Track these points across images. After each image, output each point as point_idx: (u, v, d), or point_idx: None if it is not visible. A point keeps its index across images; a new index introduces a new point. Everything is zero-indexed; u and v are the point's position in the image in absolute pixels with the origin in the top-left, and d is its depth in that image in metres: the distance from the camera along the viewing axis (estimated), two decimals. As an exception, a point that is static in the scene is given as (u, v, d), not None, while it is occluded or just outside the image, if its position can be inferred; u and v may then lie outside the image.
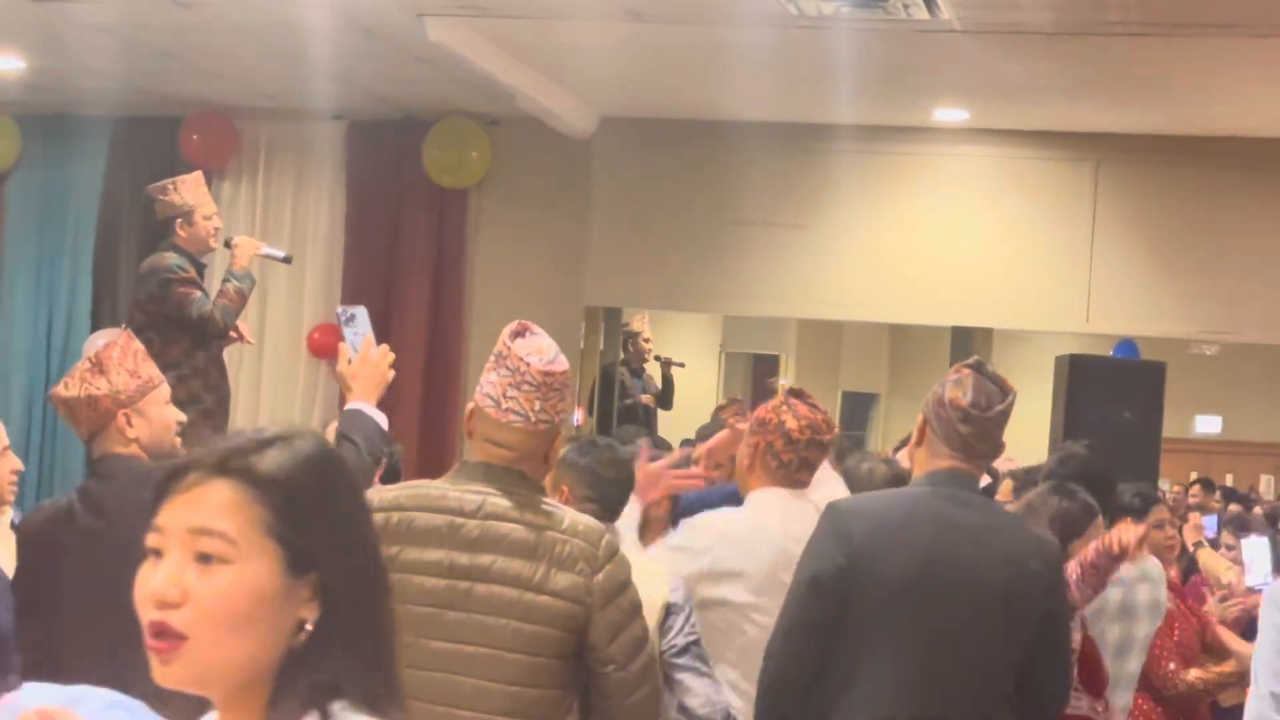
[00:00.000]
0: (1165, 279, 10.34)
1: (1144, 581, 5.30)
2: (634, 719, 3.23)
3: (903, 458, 5.48)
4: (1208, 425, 15.32)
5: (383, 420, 3.97)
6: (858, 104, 9.57)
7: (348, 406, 3.98)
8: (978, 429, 3.62)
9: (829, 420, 4.42)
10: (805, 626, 3.52)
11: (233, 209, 10.74)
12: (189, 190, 7.31)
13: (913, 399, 14.24)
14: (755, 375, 15.19)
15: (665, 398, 11.45)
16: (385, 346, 4.07)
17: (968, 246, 10.45)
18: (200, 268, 7.21)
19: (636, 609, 3.25)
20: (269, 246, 7.72)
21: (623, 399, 10.76)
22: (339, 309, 4.32)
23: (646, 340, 11.21)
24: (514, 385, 3.29)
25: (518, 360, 3.28)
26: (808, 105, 9.92)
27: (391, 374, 4.05)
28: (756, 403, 9.89)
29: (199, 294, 7.01)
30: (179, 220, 7.24)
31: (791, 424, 4.29)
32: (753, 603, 4.16)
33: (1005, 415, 3.66)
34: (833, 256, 10.66)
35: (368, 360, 4.01)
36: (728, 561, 4.21)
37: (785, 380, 14.72)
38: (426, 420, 10.38)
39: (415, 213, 10.76)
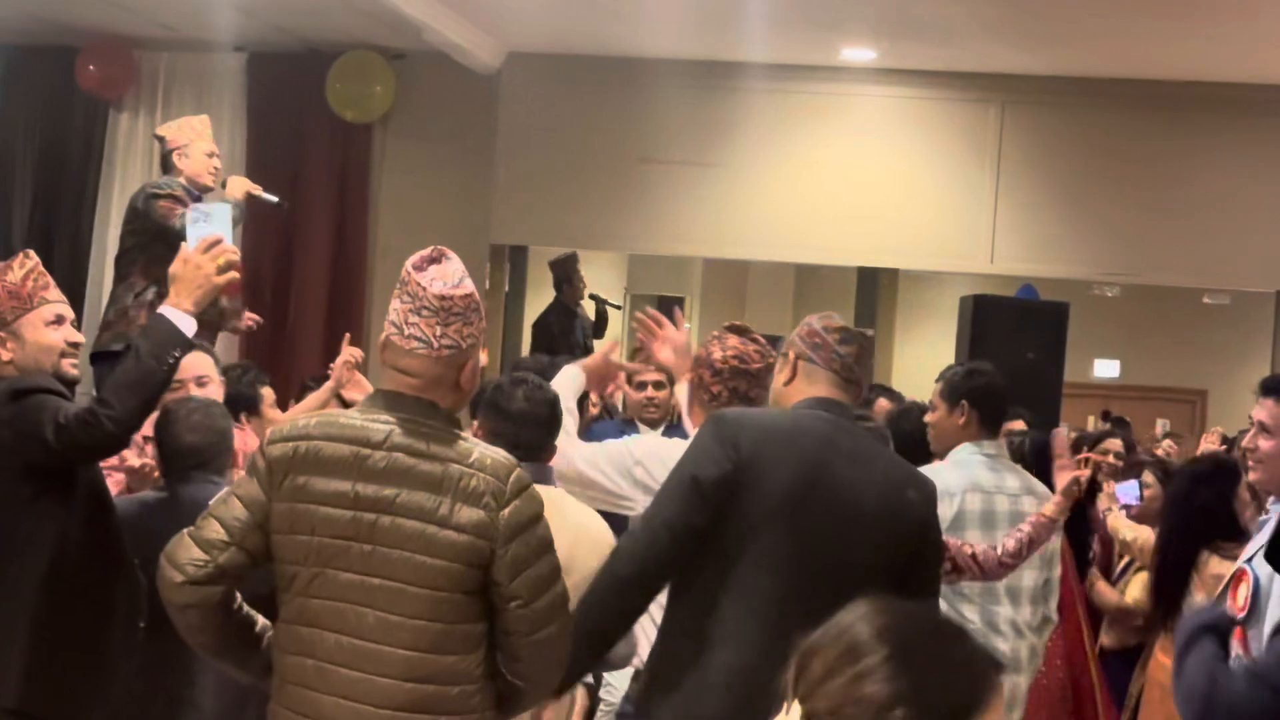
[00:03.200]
0: (1068, 221, 10.42)
1: (1029, 495, 5.27)
2: (538, 656, 3.19)
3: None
4: (1107, 369, 15.50)
5: (187, 325, 3.86)
6: (767, 42, 9.54)
7: (157, 310, 3.89)
8: (858, 348, 3.62)
9: (762, 350, 4.31)
10: (675, 528, 3.44)
11: (130, 141, 10.55)
12: (191, 128, 7.31)
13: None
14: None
15: (599, 333, 11.42)
16: (223, 246, 3.91)
17: (874, 187, 10.47)
18: (197, 199, 7.10)
19: (545, 547, 3.20)
20: (262, 190, 7.60)
21: (566, 339, 10.65)
22: (190, 208, 4.18)
23: (582, 279, 11.15)
24: (414, 311, 3.23)
25: (416, 286, 3.22)
26: (717, 42, 9.88)
27: (226, 278, 3.90)
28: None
29: (182, 209, 6.87)
30: (176, 153, 7.20)
31: (717, 354, 4.23)
32: None
33: (873, 344, 3.69)
34: (740, 196, 10.64)
35: (189, 260, 3.87)
36: None
37: (688, 324, 14.72)
38: (330, 356, 10.26)
39: (318, 147, 10.63)
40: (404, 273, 3.26)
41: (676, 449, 3.87)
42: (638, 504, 4.16)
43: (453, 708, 3.17)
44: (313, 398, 6.18)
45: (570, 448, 4.30)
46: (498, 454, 3.25)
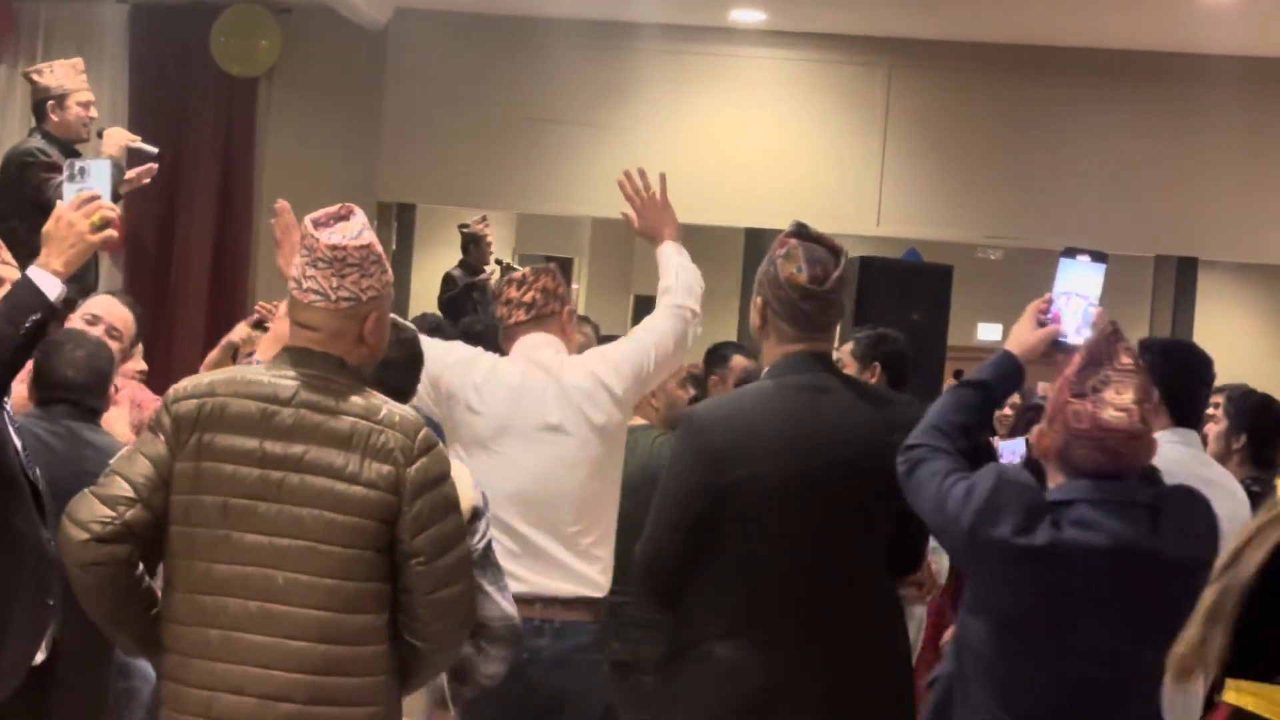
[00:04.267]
0: (953, 184, 10.54)
1: None
2: (437, 616, 3.17)
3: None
4: (990, 333, 15.71)
5: (52, 287, 3.63)
6: (658, 3, 9.52)
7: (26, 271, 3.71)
8: (821, 303, 3.50)
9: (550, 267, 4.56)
10: (680, 534, 3.48)
11: (9, 93, 10.34)
12: (64, 74, 7.06)
13: (707, 302, 14.32)
14: (550, 277, 15.12)
15: None
16: (98, 203, 3.69)
17: (762, 149, 10.51)
18: (73, 155, 6.90)
19: (450, 506, 3.19)
20: (139, 141, 7.44)
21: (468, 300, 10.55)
22: (67, 162, 4.02)
23: (489, 243, 11.08)
24: (310, 264, 3.21)
25: (313, 239, 3.20)
26: (609, 2, 9.85)
27: (102, 236, 3.69)
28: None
29: (59, 179, 6.71)
30: (50, 104, 6.99)
31: (515, 279, 4.47)
32: None
33: (843, 281, 3.52)
34: (629, 156, 10.54)
35: (61, 218, 3.69)
36: None
37: (577, 285, 14.70)
38: (214, 313, 10.17)
39: (203, 102, 10.48)
40: (302, 227, 3.24)
41: (491, 370, 4.09)
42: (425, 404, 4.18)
43: (366, 669, 3.16)
44: (212, 355, 6.00)
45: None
46: (406, 411, 3.25)
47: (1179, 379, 4.33)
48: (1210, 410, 5.96)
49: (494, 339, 6.03)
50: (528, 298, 4.41)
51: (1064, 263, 3.35)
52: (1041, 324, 3.24)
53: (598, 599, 4.29)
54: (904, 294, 9.04)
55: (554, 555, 4.20)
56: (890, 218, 10.53)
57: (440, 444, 3.26)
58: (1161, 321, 11.12)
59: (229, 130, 10.51)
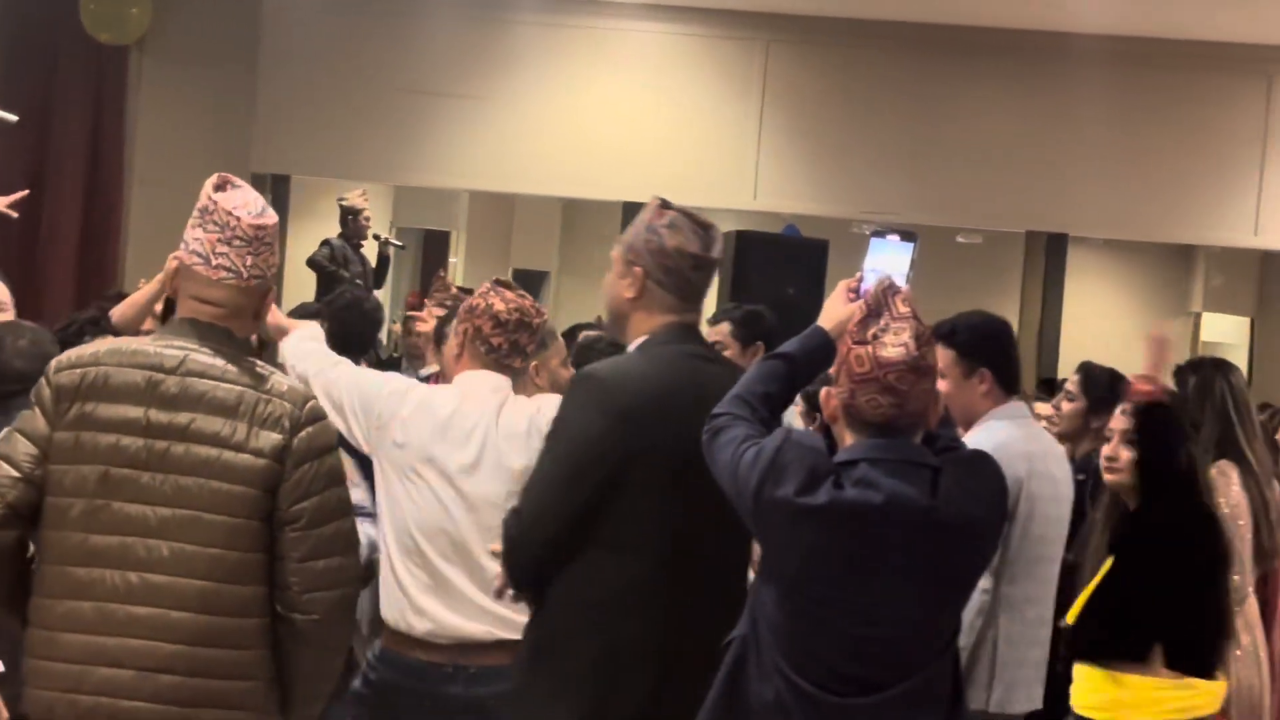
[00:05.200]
0: (829, 159, 10.62)
1: None
2: (311, 586, 3.13)
3: None
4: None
5: None
6: (536, -26, 9.49)
7: None
8: (707, 274, 3.42)
9: (538, 308, 4.25)
10: (569, 492, 3.28)
11: None
12: None
13: (583, 277, 14.33)
14: (426, 251, 15.05)
15: (379, 277, 11.25)
16: None
17: (640, 122, 10.53)
18: None
19: (333, 478, 3.16)
20: None
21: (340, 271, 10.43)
22: None
23: (367, 218, 10.97)
24: (224, 241, 3.17)
25: (226, 215, 3.16)
26: (485, -27, 9.80)
27: None
28: (427, 283, 9.82)
29: None
30: None
31: (500, 306, 4.15)
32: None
33: (721, 253, 3.49)
34: (508, 129, 10.60)
35: None
36: None
37: (455, 258, 14.63)
38: (82, 285, 10.01)
39: (71, 70, 10.30)
40: (206, 199, 3.18)
41: (420, 403, 3.96)
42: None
43: (247, 641, 3.12)
44: (138, 295, 5.62)
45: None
46: (294, 382, 3.26)
47: (998, 349, 4.39)
48: (1069, 386, 6.07)
49: (359, 314, 5.87)
50: (497, 341, 4.15)
51: (874, 242, 3.42)
52: (852, 300, 3.27)
53: (519, 641, 3.88)
54: (780, 268, 9.11)
55: (469, 595, 3.97)
56: (767, 192, 10.60)
57: (329, 419, 3.24)
58: (1032, 297, 11.31)
59: (98, 99, 10.34)
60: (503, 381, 4.15)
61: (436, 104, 10.51)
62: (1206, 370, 5.03)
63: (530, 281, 15.29)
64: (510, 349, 4.15)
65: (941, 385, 3.97)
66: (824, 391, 3.00)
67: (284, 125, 10.44)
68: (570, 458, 3.31)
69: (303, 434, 3.13)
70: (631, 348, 3.46)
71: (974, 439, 4.31)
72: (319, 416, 3.20)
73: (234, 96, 10.39)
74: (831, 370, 3.02)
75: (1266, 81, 10.74)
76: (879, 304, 2.94)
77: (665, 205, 3.46)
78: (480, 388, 4.11)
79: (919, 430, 2.95)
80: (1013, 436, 4.28)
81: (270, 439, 3.11)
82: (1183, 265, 15.89)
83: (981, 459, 3.07)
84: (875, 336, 2.89)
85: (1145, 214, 10.89)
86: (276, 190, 10.86)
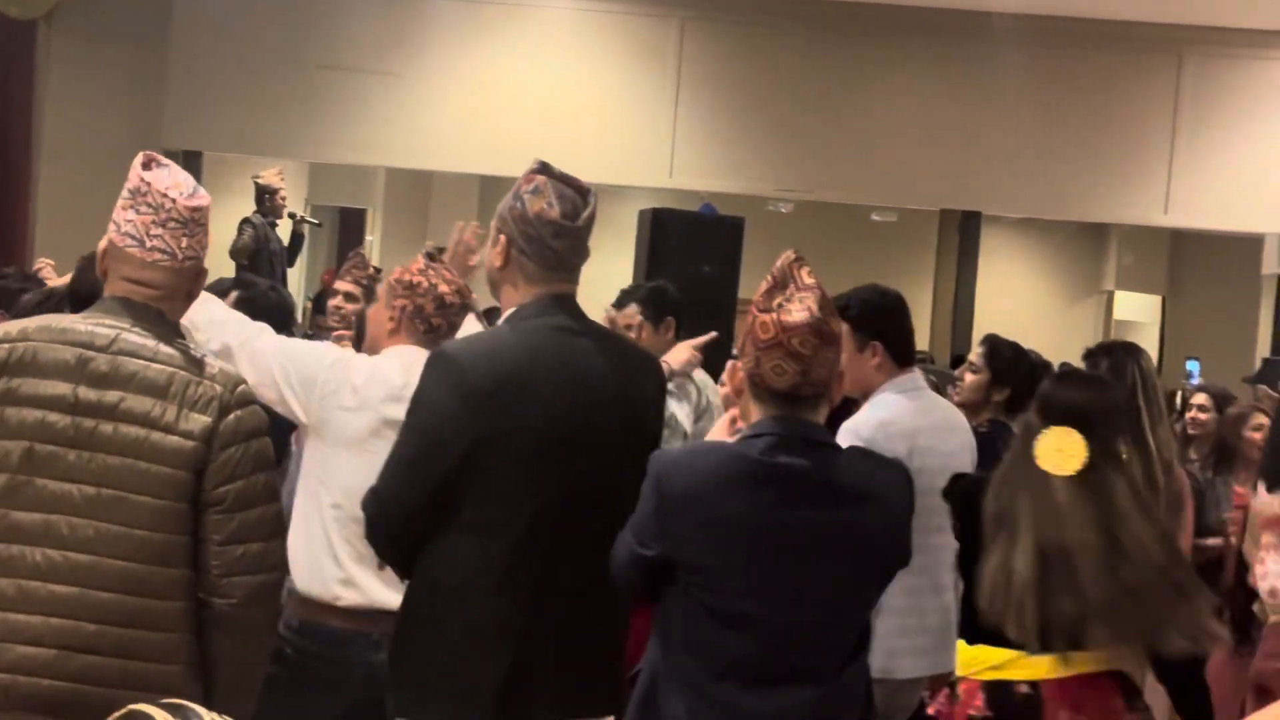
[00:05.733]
0: (745, 137, 10.65)
1: None
2: (231, 570, 3.12)
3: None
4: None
5: None
6: (450, -50, 9.44)
7: None
8: (572, 241, 3.30)
9: (466, 285, 4.22)
10: (421, 474, 3.22)
11: None
12: None
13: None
14: (342, 229, 14.95)
15: (292, 255, 11.17)
16: None
17: (557, 99, 10.51)
18: None
19: (260, 463, 3.14)
20: None
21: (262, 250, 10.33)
22: None
23: (283, 197, 10.87)
24: (158, 223, 3.13)
25: (160, 196, 3.12)
26: (399, -51, 9.75)
27: None
28: (342, 261, 9.76)
29: None
30: None
31: (444, 288, 4.11)
32: None
33: (593, 220, 3.33)
34: (424, 106, 10.55)
35: None
36: None
37: (371, 236, 14.54)
38: (-9, 263, 9.86)
39: (-23, 44, 10.14)
40: (137, 180, 3.15)
41: (372, 372, 3.90)
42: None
43: (171, 624, 3.10)
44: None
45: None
46: (226, 366, 3.24)
47: (890, 322, 4.44)
48: (973, 358, 6.14)
49: (272, 299, 5.78)
50: (437, 322, 4.11)
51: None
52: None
53: None
54: (695, 246, 9.12)
55: None
56: (683, 170, 10.61)
57: (258, 404, 3.22)
58: (946, 274, 11.39)
59: (6, 74, 10.17)
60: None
61: (352, 80, 10.44)
62: (1119, 354, 5.10)
63: (447, 259, 15.24)
64: (448, 329, 4.14)
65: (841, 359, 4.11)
66: (730, 365, 3.01)
67: (196, 101, 10.33)
68: (422, 439, 3.24)
69: (230, 417, 3.12)
70: (501, 320, 3.39)
71: (863, 414, 4.38)
72: (249, 400, 3.18)
73: (145, 71, 10.28)
74: (736, 347, 3.02)
75: (1177, 61, 10.87)
76: (784, 276, 2.96)
77: (541, 169, 3.36)
78: (420, 362, 4.08)
79: (823, 403, 2.95)
80: (898, 412, 4.34)
81: (199, 421, 3.09)
82: (1095, 244, 16.08)
83: (872, 454, 3.13)
84: (780, 305, 2.90)
85: (1057, 193, 11.00)
86: (188, 167, 10.69)
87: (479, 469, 3.19)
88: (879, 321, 4.42)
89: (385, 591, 3.88)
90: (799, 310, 2.88)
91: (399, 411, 3.63)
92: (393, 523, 3.27)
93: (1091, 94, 10.85)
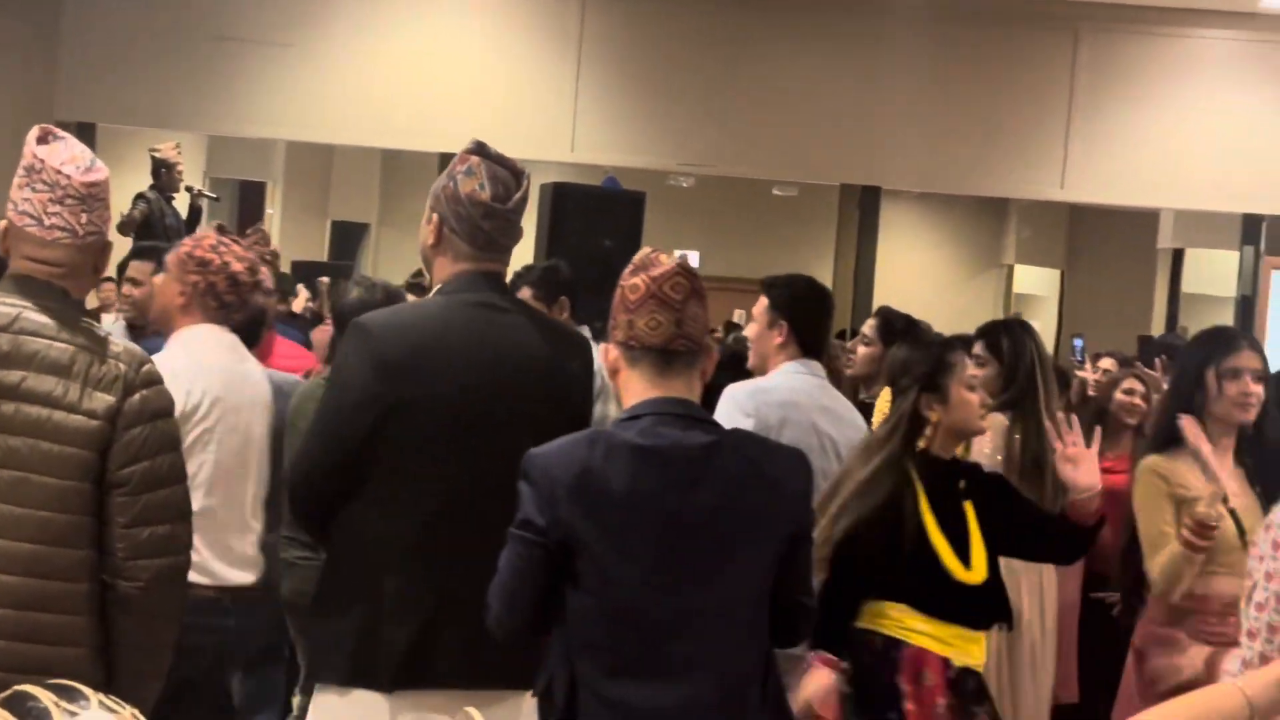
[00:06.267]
0: (647, 111, 10.65)
1: None
2: (137, 553, 3.07)
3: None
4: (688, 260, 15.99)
5: None
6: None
7: None
8: (501, 222, 3.36)
9: (258, 262, 4.27)
10: (333, 440, 3.28)
11: None
12: None
13: (403, 229, 14.21)
14: (242, 203, 14.81)
15: (190, 229, 11.03)
16: None
17: (457, 73, 10.46)
18: None
19: (166, 444, 3.08)
20: None
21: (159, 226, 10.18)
22: None
23: (180, 171, 10.72)
24: (55, 200, 3.08)
25: (55, 173, 3.06)
26: (297, -81, 9.65)
27: None
28: (243, 234, 9.65)
29: None
30: None
31: (237, 266, 4.15)
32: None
33: (524, 201, 3.39)
34: (324, 79, 10.46)
35: None
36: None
37: (271, 210, 14.41)
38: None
39: None
40: (31, 158, 3.10)
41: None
42: None
43: (74, 607, 3.04)
44: None
45: None
46: (132, 345, 3.18)
47: (804, 310, 4.50)
48: (865, 330, 6.19)
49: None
50: (230, 299, 4.13)
51: None
52: None
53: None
54: (596, 221, 9.11)
55: (239, 546, 4.09)
56: (585, 144, 10.60)
57: (164, 384, 3.18)
58: (846, 248, 11.47)
59: (-106, 44, 9.99)
60: (234, 339, 4.15)
61: (251, 52, 10.33)
62: (1017, 332, 5.19)
63: (350, 233, 15.12)
64: (240, 306, 4.18)
65: (751, 330, 4.37)
66: (602, 348, 2.99)
67: (90, 71, 10.18)
68: (335, 408, 3.30)
69: (136, 397, 3.06)
70: (434, 293, 3.46)
71: (748, 381, 4.44)
72: (154, 380, 3.12)
73: (37, 40, 10.12)
74: (610, 327, 3.00)
75: (1073, 37, 10.99)
76: (646, 259, 2.97)
77: (476, 150, 3.41)
78: (211, 341, 4.11)
79: (697, 369, 2.92)
80: (782, 385, 4.39)
81: (103, 400, 3.03)
82: (995, 218, 16.24)
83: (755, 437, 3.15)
84: (644, 268, 2.91)
85: (956, 167, 11.11)
86: (82, 139, 10.56)
87: (391, 439, 3.23)
88: (794, 305, 4.49)
89: (233, 573, 3.99)
90: (666, 263, 2.91)
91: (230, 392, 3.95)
92: (308, 487, 3.33)
93: (989, 69, 10.95)
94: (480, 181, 3.35)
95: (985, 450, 4.92)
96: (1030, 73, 10.98)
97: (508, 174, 3.40)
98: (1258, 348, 4.11)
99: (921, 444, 3.88)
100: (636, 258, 2.98)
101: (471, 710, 2.84)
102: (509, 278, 3.90)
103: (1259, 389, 3.91)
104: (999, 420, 4.91)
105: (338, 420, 3.29)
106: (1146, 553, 4.09)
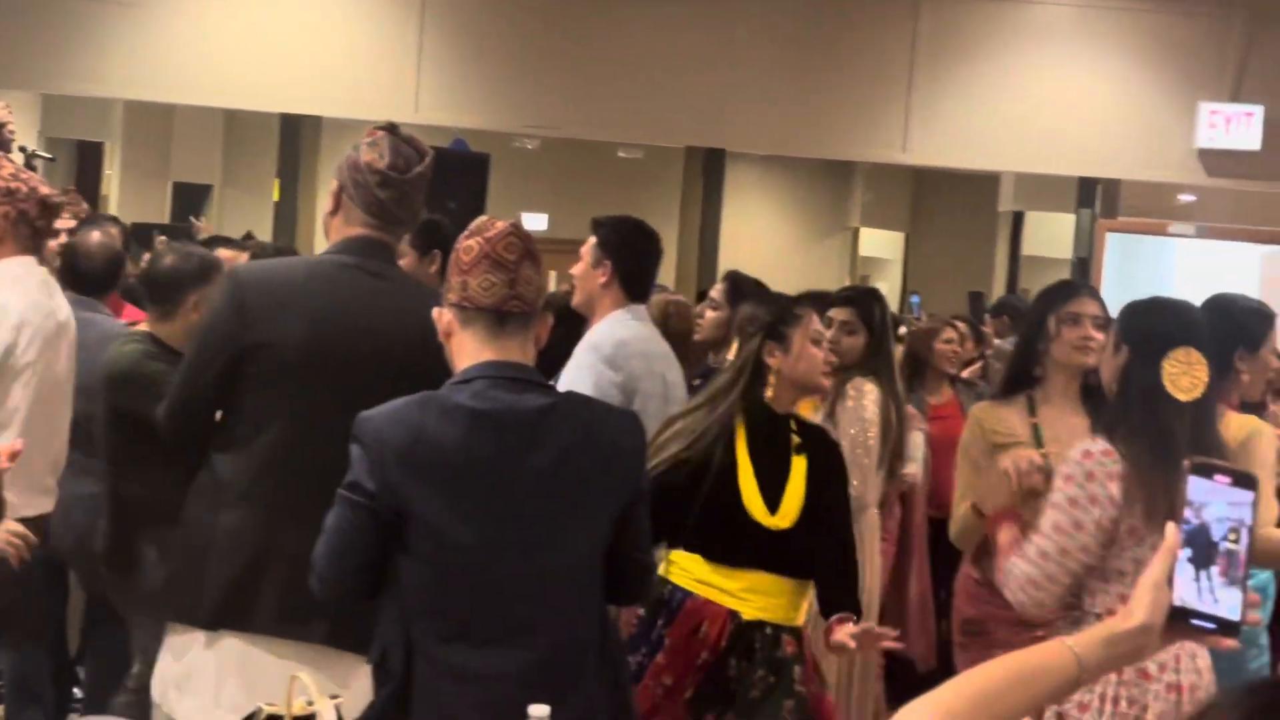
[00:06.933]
0: (491, 73, 10.60)
1: None
2: None
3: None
4: (535, 223, 15.91)
5: None
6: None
7: None
8: (397, 193, 3.45)
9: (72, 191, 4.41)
10: (203, 383, 3.42)
11: None
12: None
13: (246, 190, 14.01)
14: (80, 162, 14.47)
15: None
16: None
17: (297, 32, 10.32)
18: None
19: None
20: None
21: None
22: None
23: (11, 130, 10.43)
24: None
25: None
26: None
27: None
28: (84, 192, 9.48)
29: None
30: None
31: (45, 189, 4.19)
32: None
33: (424, 178, 3.49)
34: (164, 37, 10.26)
35: None
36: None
37: (110, 171, 14.12)
38: None
39: None
40: None
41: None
42: None
43: None
44: None
45: None
46: None
47: (630, 250, 4.54)
48: (714, 294, 6.23)
49: None
50: (42, 225, 4.28)
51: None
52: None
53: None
54: (440, 182, 8.94)
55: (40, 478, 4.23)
56: (429, 105, 10.52)
57: None
58: (691, 211, 11.52)
59: None
60: (45, 273, 4.25)
61: (87, 8, 10.11)
62: (868, 300, 5.37)
63: (193, 194, 14.85)
64: (51, 232, 4.24)
65: (577, 268, 4.50)
66: (435, 311, 2.97)
67: (-83, 28, 9.90)
68: (197, 349, 3.48)
69: None
70: (321, 253, 3.59)
71: (599, 328, 4.45)
72: None
73: None
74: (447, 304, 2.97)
75: (914, 3, 11.12)
76: (480, 224, 2.97)
77: (386, 127, 3.53)
78: (24, 274, 4.17)
79: (531, 333, 2.91)
80: (636, 335, 4.43)
81: None
82: (840, 181, 16.41)
83: (592, 401, 3.13)
84: (478, 232, 2.92)
85: (800, 130, 11.20)
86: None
87: (243, 382, 3.37)
88: (621, 246, 4.52)
89: (39, 500, 4.18)
90: (500, 225, 2.92)
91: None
92: (170, 421, 3.51)
93: (833, 34, 11.05)
94: (381, 152, 3.46)
95: (865, 415, 5.05)
96: (873, 37, 11.10)
97: (411, 150, 3.51)
98: (1097, 296, 4.21)
99: (768, 393, 3.91)
100: (473, 223, 2.99)
101: (302, 674, 2.85)
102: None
103: (1099, 335, 4.01)
104: (871, 388, 5.07)
105: (198, 361, 3.44)
106: (954, 505, 4.21)
